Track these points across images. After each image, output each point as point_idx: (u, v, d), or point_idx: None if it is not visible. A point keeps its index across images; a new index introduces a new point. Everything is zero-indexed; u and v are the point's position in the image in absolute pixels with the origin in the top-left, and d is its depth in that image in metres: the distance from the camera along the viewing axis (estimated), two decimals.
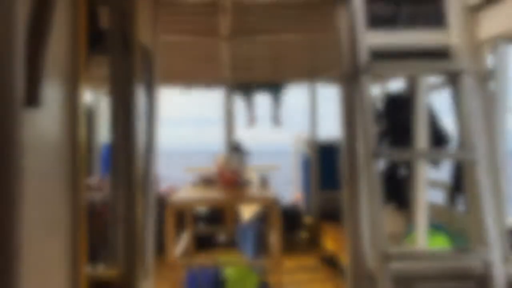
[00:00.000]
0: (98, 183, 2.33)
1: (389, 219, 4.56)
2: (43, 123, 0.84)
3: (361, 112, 2.09)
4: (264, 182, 4.07)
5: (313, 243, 5.52)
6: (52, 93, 0.88)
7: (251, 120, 6.07)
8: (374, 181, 1.98)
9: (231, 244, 5.43)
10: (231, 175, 3.98)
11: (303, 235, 5.68)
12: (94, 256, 1.83)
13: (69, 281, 1.01)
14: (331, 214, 5.52)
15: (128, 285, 1.61)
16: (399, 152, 2.12)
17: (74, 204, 0.96)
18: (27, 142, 0.75)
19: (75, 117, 0.99)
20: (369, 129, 2.05)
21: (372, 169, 1.99)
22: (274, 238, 3.33)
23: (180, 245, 3.75)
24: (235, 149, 4.12)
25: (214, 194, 3.53)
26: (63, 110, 0.95)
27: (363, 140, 2.08)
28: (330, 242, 5.16)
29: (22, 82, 0.72)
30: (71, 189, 0.95)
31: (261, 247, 4.28)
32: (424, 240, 2.75)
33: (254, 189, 3.79)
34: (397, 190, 4.20)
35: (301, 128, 6.08)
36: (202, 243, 5.25)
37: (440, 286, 2.08)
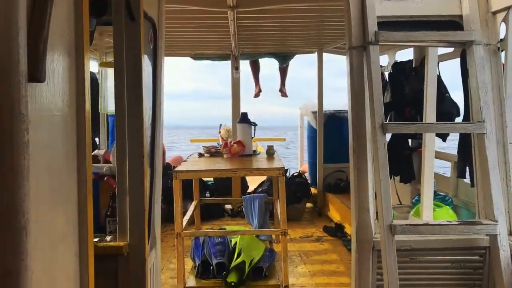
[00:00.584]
0: (104, 155, 2.33)
1: (395, 192, 4.56)
2: (48, 96, 0.83)
3: (370, 83, 2.06)
4: (271, 153, 4.07)
5: (318, 214, 5.56)
6: (56, 64, 0.87)
7: (257, 91, 6.03)
8: (382, 154, 1.97)
9: (238, 214, 5.49)
10: (237, 146, 3.98)
11: (309, 205, 5.72)
12: (102, 228, 1.85)
13: (77, 252, 1.02)
14: (336, 186, 5.53)
15: (137, 256, 1.63)
16: (407, 125, 2.09)
17: (81, 176, 0.96)
18: (32, 115, 0.74)
19: (81, 88, 0.98)
20: (377, 101, 2.02)
21: (379, 142, 1.98)
22: (281, 209, 3.35)
23: (187, 215, 3.79)
24: (242, 120, 4.10)
25: (221, 165, 3.54)
26: (68, 81, 0.94)
27: (371, 112, 2.06)
28: (335, 213, 5.20)
29: (25, 56, 0.70)
30: (77, 161, 0.94)
31: (266, 217, 4.31)
32: (430, 212, 2.76)
33: (261, 160, 3.79)
34: (403, 163, 4.19)
35: (307, 101, 6.04)
36: (209, 213, 5.32)
37: (444, 258, 2.09)
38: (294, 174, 5.78)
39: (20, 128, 0.70)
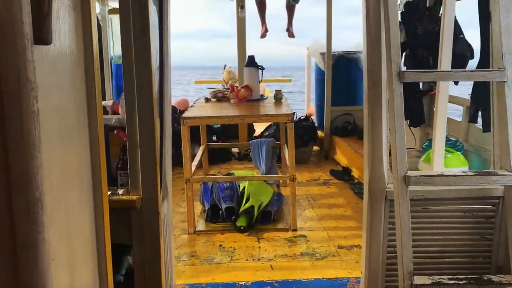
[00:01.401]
0: (113, 106, 2.28)
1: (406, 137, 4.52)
2: (56, 57, 0.77)
3: (387, 28, 1.96)
4: (278, 98, 4.00)
5: (325, 157, 5.57)
6: (62, 22, 0.80)
7: (264, 31, 5.84)
8: (398, 103, 1.91)
9: (245, 158, 5.50)
10: (245, 91, 3.91)
11: (316, 149, 5.72)
12: (113, 180, 1.83)
13: (92, 215, 1.00)
14: (343, 129, 5.50)
15: (150, 209, 1.62)
16: (425, 73, 2.01)
17: (93, 139, 0.92)
18: (40, 81, 0.69)
19: (89, 45, 0.91)
20: (395, 47, 1.93)
21: (395, 90, 1.91)
22: (289, 155, 3.33)
23: (195, 160, 3.79)
24: (249, 64, 3.99)
25: (228, 111, 3.49)
26: (76, 38, 0.87)
27: (388, 58, 1.97)
28: (341, 157, 5.20)
29: (29, 17, 0.64)
30: (89, 125, 0.90)
31: (274, 161, 4.31)
32: (441, 160, 2.73)
33: (268, 106, 3.74)
34: (414, 106, 4.12)
35: (315, 41, 5.86)
36: (216, 157, 5.33)
37: (457, 207, 2.08)
38: (301, 118, 5.73)
39: (29, 96, 0.65)
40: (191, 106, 3.79)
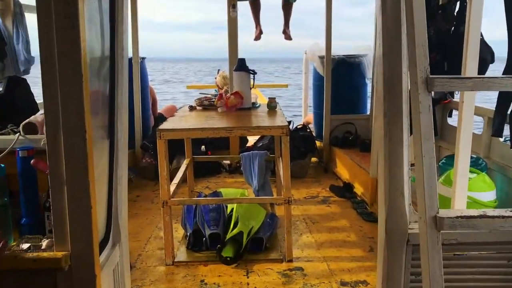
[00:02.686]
0: (43, 122, 1.79)
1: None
2: None
3: (409, 19, 1.49)
4: (272, 107, 3.53)
5: (324, 170, 5.09)
6: None
7: (258, 33, 5.38)
8: (426, 118, 1.43)
9: (236, 170, 5.02)
10: (234, 98, 3.44)
11: (314, 160, 5.24)
12: (41, 226, 1.36)
13: None
14: (344, 140, 5.04)
15: (82, 270, 1.14)
16: (461, 80, 1.55)
17: None
18: None
19: None
20: (421, 46, 1.46)
21: (422, 103, 1.44)
22: (284, 173, 2.85)
23: (176, 177, 3.31)
24: (239, 68, 3.52)
25: (214, 122, 3.01)
26: None
27: (411, 60, 1.50)
28: (342, 170, 4.73)
29: None
30: None
31: (267, 177, 3.83)
32: (466, 183, 2.26)
33: (261, 116, 3.26)
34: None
35: (314, 44, 5.40)
36: (205, 169, 4.85)
37: (499, 254, 1.61)
38: (298, 127, 5.27)
39: None
40: (172, 116, 3.32)
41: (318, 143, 5.29)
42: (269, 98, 3.56)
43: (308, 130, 5.24)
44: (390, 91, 1.57)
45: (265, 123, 2.94)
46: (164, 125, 2.90)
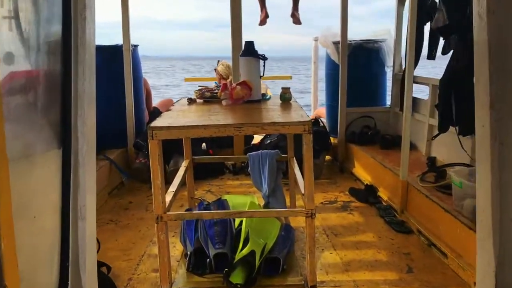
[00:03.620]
0: None
1: (452, 149, 3.51)
2: None
3: None
4: (286, 98, 2.98)
5: (340, 170, 4.55)
6: None
7: (263, 16, 4.81)
8: None
9: (241, 171, 4.48)
10: (241, 89, 2.88)
11: (327, 158, 4.70)
12: None
13: None
14: (362, 136, 4.49)
15: None
16: None
17: None
18: None
19: None
20: None
21: None
22: (306, 181, 2.31)
23: (172, 185, 2.77)
24: (246, 52, 2.97)
25: (218, 117, 2.46)
26: None
27: None
28: (361, 171, 4.18)
29: None
30: None
31: (279, 180, 3.29)
32: None
33: (274, 109, 2.71)
34: (464, 107, 3.10)
35: (326, 29, 4.83)
36: (206, 169, 4.31)
37: None
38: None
39: None
40: (168, 110, 2.76)
41: (332, 139, 4.75)
42: (282, 88, 3.00)
43: (321, 125, 4.69)
44: (500, 70, 1.02)
45: (281, 118, 2.38)
46: (157, 122, 2.35)
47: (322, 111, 5.51)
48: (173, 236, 2.99)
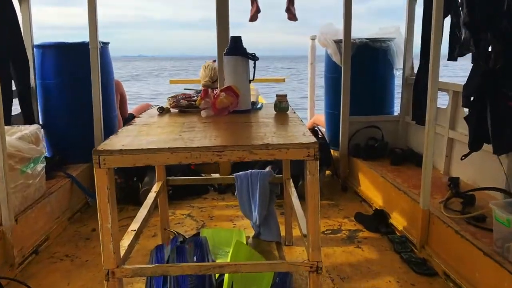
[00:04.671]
0: None
1: (479, 168, 2.94)
2: None
3: None
4: (283, 108, 2.38)
5: (343, 188, 3.95)
6: None
7: (254, 11, 4.22)
8: None
9: (228, 189, 3.87)
10: (226, 97, 2.28)
11: (327, 172, 4.11)
12: None
13: None
14: (368, 149, 3.90)
15: None
16: None
17: None
18: None
19: None
20: None
21: None
22: (309, 225, 1.70)
23: (136, 218, 2.15)
24: (233, 50, 2.36)
25: (193, 136, 1.84)
26: None
27: None
28: (368, 190, 3.59)
29: None
30: None
31: (272, 205, 2.70)
32: None
33: (267, 124, 2.10)
34: (501, 120, 2.52)
35: (326, 26, 4.23)
36: (187, 189, 3.71)
37: None
38: None
39: None
40: (130, 124, 2.13)
41: (332, 151, 4.16)
42: (277, 96, 2.40)
43: (320, 136, 4.10)
44: None
45: (276, 139, 1.77)
46: (108, 142, 1.73)
47: (320, 119, 4.92)
48: (139, 282, 2.37)
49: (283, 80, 8.66)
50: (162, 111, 2.42)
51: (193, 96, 2.57)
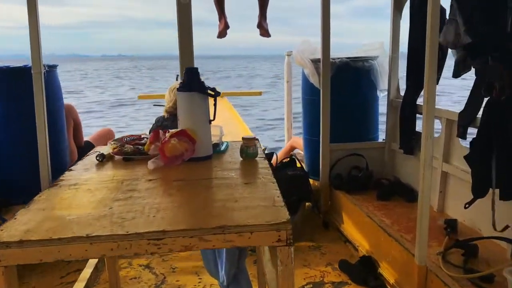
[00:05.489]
0: None
1: (478, 208, 2.56)
2: None
3: None
4: (250, 155, 1.95)
5: (324, 225, 3.55)
6: None
7: (222, 27, 3.80)
8: None
9: None
10: (178, 143, 1.85)
11: (307, 204, 3.70)
12: None
13: None
14: (351, 180, 3.51)
15: None
16: None
17: None
18: None
19: None
20: None
21: None
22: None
23: None
24: (188, 86, 1.92)
25: (128, 210, 1.39)
26: None
27: None
28: (354, 231, 3.19)
29: None
30: None
31: (243, 263, 2.29)
32: None
33: (232, 182, 1.66)
34: (507, 160, 2.15)
35: (303, 42, 3.83)
36: None
37: None
38: (284, 161, 3.71)
39: None
40: (54, 186, 1.68)
41: (311, 181, 3.75)
42: (243, 139, 1.97)
43: (298, 165, 3.69)
44: None
45: (238, 213, 1.34)
46: (7, 226, 1.28)
47: (298, 142, 4.52)
48: None
49: (260, 94, 8.26)
50: (103, 159, 1.97)
51: (143, 139, 2.13)
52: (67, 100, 3.85)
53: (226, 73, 43.40)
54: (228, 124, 7.32)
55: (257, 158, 1.95)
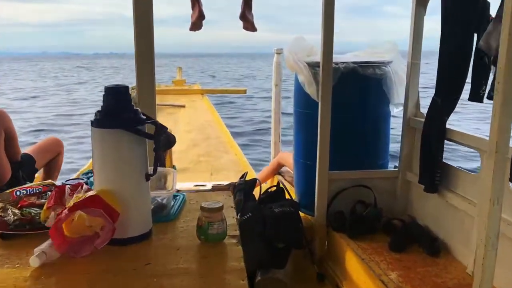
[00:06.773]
0: None
1: None
2: None
3: None
4: (216, 237, 1.16)
5: (319, 278, 2.77)
6: None
7: (196, 17, 3.02)
8: None
9: None
10: (88, 218, 1.05)
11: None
12: None
13: None
14: (356, 219, 2.75)
15: None
16: None
17: None
18: None
19: None
20: None
21: None
22: None
23: None
24: (113, 115, 1.12)
25: None
26: None
27: None
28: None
29: None
30: None
31: None
32: None
33: None
34: None
35: (296, 39, 3.04)
36: None
37: None
38: (269, 190, 2.93)
39: None
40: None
41: (303, 215, 2.97)
42: (202, 207, 1.18)
43: (287, 196, 2.91)
44: None
45: None
46: None
47: (287, 159, 3.74)
48: None
49: (244, 92, 7.47)
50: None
51: (43, 194, 1.33)
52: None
53: (226, 74, 42.42)
54: (205, 128, 6.52)
55: (225, 241, 1.17)
